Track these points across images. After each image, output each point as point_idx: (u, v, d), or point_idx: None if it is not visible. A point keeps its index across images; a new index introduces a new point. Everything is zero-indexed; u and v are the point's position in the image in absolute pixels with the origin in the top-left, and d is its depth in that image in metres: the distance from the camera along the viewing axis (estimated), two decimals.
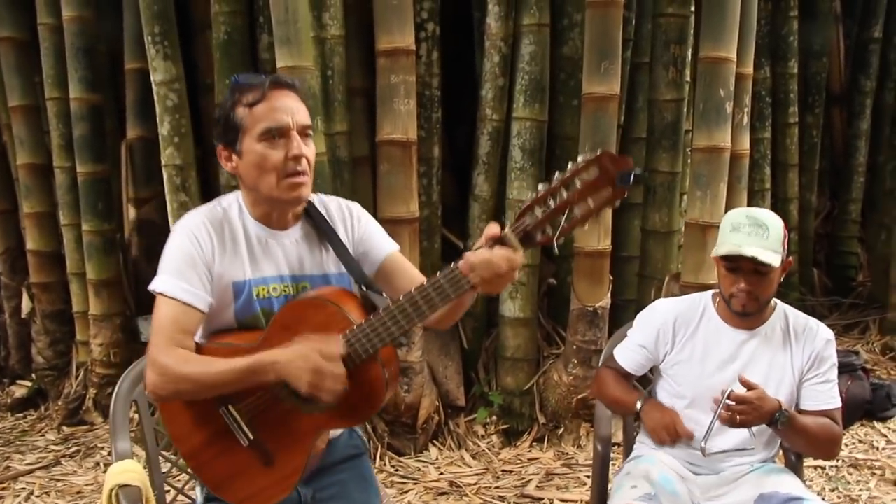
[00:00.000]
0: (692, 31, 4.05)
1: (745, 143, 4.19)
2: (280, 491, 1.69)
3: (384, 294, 1.71)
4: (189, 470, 1.85)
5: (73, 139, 4.33)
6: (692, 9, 4.05)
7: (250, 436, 1.66)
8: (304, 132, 1.64)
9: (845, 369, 4.11)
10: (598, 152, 1.46)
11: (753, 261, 2.02)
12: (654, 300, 2.54)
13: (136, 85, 4.29)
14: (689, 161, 4.17)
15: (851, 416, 4.04)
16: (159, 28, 3.77)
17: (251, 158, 1.62)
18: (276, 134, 1.60)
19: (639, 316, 2.35)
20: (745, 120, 4.16)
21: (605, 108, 3.64)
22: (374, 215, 3.74)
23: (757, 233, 2.04)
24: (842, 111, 6.07)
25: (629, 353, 2.30)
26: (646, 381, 2.37)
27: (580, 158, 1.46)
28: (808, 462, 3.46)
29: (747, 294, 2.07)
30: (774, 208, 5.44)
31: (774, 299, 2.19)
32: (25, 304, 4.81)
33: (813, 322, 2.19)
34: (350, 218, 1.81)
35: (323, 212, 1.78)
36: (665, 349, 2.24)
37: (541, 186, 1.49)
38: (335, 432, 1.83)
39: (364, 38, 3.85)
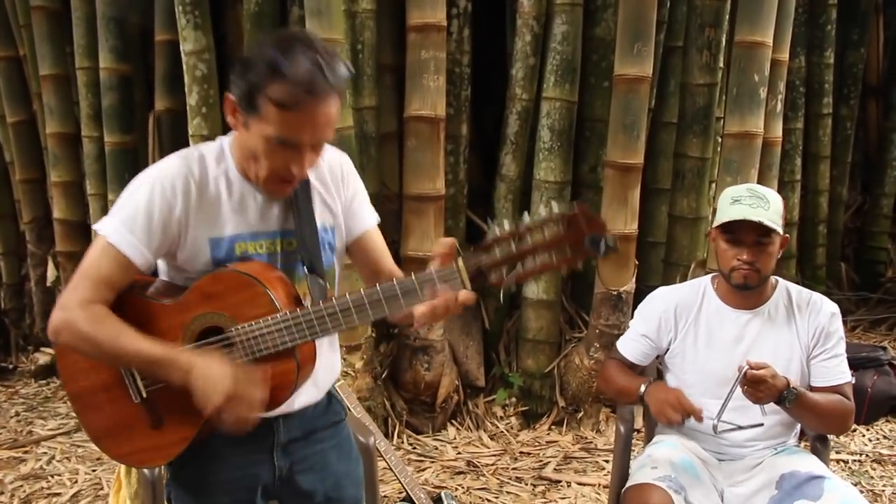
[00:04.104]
0: (727, 15, 3.98)
1: (778, 131, 4.12)
2: (158, 457, 1.62)
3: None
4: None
5: (101, 109, 4.35)
6: None
7: (143, 394, 1.57)
8: (319, 143, 1.53)
9: (872, 364, 4.06)
10: (575, 209, 1.36)
11: (758, 228, 2.00)
12: None
13: (165, 57, 4.27)
14: (719, 148, 4.11)
15: (877, 411, 3.99)
16: None
17: (253, 142, 1.50)
18: (287, 144, 1.48)
19: (640, 305, 2.33)
20: (779, 107, 4.10)
21: (637, 90, 3.60)
22: (400, 191, 3.79)
23: (759, 204, 2.02)
24: (878, 103, 5.97)
25: (632, 343, 2.28)
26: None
27: (555, 208, 1.37)
28: (832, 455, 3.41)
29: (749, 266, 2.04)
30: (804, 200, 5.40)
31: (775, 277, 2.17)
32: (51, 273, 4.87)
33: (816, 296, 2.16)
34: (342, 177, 1.69)
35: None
36: (668, 337, 2.22)
37: (503, 227, 1.38)
38: (315, 397, 1.74)
39: (395, 13, 3.82)
